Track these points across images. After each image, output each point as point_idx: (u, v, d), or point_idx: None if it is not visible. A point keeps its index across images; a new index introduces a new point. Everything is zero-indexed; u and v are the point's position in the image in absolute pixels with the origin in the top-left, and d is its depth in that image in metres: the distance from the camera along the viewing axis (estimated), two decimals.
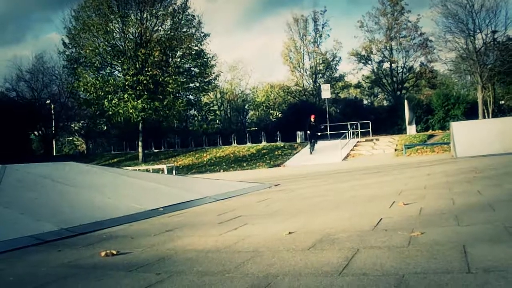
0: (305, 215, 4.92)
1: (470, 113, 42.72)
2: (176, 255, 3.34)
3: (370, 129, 40.72)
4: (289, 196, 7.67)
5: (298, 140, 42.65)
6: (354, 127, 39.51)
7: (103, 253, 3.48)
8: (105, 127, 58.44)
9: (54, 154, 59.31)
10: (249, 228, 4.38)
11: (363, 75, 61.52)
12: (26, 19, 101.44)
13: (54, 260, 3.51)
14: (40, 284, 2.76)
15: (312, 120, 31.41)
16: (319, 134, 33.88)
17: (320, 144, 36.67)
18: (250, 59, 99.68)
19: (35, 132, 58.79)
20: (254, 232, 4.09)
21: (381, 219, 4.08)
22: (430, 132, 40.48)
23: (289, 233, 3.79)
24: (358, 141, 36.03)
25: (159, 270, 2.88)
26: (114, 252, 3.50)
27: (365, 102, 63.93)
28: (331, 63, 61.08)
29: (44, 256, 3.75)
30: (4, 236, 4.35)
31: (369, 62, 59.34)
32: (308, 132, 31.97)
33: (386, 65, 58.53)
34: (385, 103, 62.49)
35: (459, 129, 18.65)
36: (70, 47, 43.90)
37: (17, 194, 6.27)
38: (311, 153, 31.47)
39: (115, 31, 41.86)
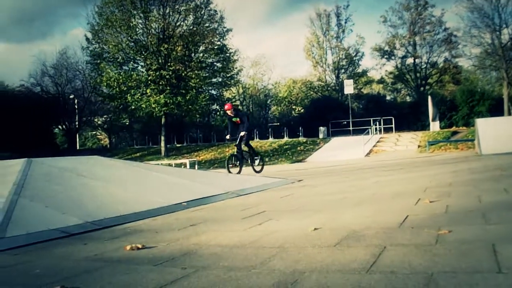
0: (329, 211, 4.89)
1: (495, 109, 42.28)
2: (201, 249, 3.33)
3: (393, 125, 40.46)
4: (312, 192, 7.64)
5: (321, 136, 42.56)
6: (377, 123, 39.28)
7: (128, 247, 3.49)
8: (128, 122, 58.80)
9: (78, 148, 59.83)
10: (274, 224, 4.36)
11: (386, 70, 61.23)
12: (52, 15, 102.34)
13: (80, 253, 3.53)
14: (67, 277, 2.78)
15: (229, 112, 16.04)
16: (243, 135, 15.61)
17: (342, 139, 36.43)
18: (273, 54, 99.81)
19: (59, 126, 59.39)
20: (279, 228, 4.08)
21: (407, 216, 4.04)
22: (454, 128, 40.14)
23: (314, 229, 3.76)
24: (381, 137, 35.84)
25: (185, 264, 2.87)
26: (139, 246, 3.50)
27: (388, 97, 63.61)
28: (354, 58, 60.88)
29: (70, 249, 3.77)
30: (30, 228, 4.39)
31: (392, 57, 59.06)
32: (228, 136, 16.34)
33: (409, 60, 58.24)
34: (408, 99, 62.09)
35: (484, 126, 18.42)
36: (93, 42, 44.29)
37: (42, 188, 6.31)
38: (229, 171, 15.26)
39: (138, 27, 42.12)
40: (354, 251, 2.92)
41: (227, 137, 16.32)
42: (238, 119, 15.93)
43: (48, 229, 4.44)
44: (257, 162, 16.32)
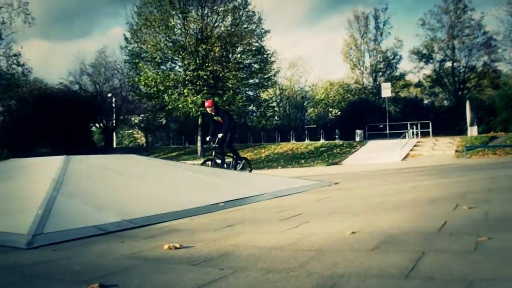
0: (366, 215, 4.84)
1: None
2: (239, 250, 3.32)
3: (430, 129, 40.04)
4: (349, 195, 7.59)
5: (357, 139, 42.34)
6: (414, 127, 38.89)
7: (166, 246, 3.49)
8: (165, 121, 59.32)
9: (114, 146, 60.52)
10: (311, 226, 4.33)
11: (424, 74, 60.62)
12: (92, 14, 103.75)
13: (118, 251, 3.54)
14: (105, 274, 2.79)
15: (209, 110, 14.59)
16: (221, 137, 14.04)
17: (379, 143, 36.13)
18: (310, 56, 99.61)
19: (97, 125, 60.07)
20: (316, 231, 4.05)
21: (445, 222, 3.98)
22: (492, 133, 39.48)
23: (352, 233, 3.72)
24: (418, 141, 35.45)
25: (223, 265, 2.87)
26: (177, 245, 3.50)
27: (425, 101, 62.94)
28: (392, 61, 60.39)
29: (107, 246, 3.79)
30: (68, 225, 4.43)
31: (431, 61, 58.53)
32: (207, 138, 15.04)
33: (447, 64, 57.58)
34: (446, 103, 61.39)
35: None
36: (132, 42, 44.79)
37: (81, 185, 6.38)
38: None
39: (176, 27, 42.42)
40: (392, 256, 2.88)
41: (207, 138, 14.89)
42: (219, 118, 14.28)
43: (86, 226, 4.47)
44: (239, 167, 14.68)
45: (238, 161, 14.83)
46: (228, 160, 14.75)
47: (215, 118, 14.34)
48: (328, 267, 2.69)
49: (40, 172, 7.61)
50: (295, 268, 2.70)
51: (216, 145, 14.18)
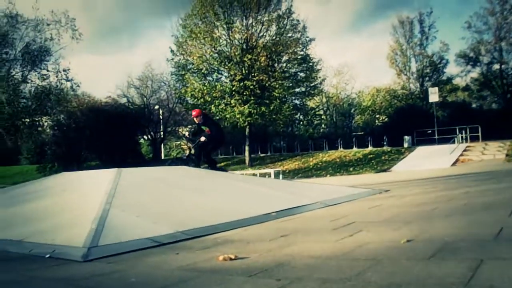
0: (420, 223, 4.75)
1: None
2: (294, 260, 3.28)
3: (480, 134, 39.25)
4: (401, 202, 7.47)
5: (405, 145, 41.81)
6: (463, 131, 38.26)
7: (221, 257, 3.47)
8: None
9: (163, 158, 61.00)
10: (365, 235, 4.27)
11: (471, 77, 59.49)
12: (138, 28, 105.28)
13: (173, 263, 3.54)
14: (162, 286, 2.79)
15: (196, 120, 13.69)
16: (201, 140, 13.18)
17: (427, 149, 35.63)
18: (356, 63, 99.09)
19: (144, 137, 60.73)
20: (371, 239, 3.99)
21: (501, 228, 3.86)
22: None
23: (407, 241, 3.65)
24: (467, 146, 34.77)
25: (279, 276, 2.83)
26: (232, 256, 3.48)
27: (473, 105, 61.86)
28: (438, 65, 59.45)
29: (162, 258, 3.80)
30: (122, 237, 4.46)
31: (478, 64, 57.39)
32: (189, 151, 14.12)
33: (495, 66, 56.36)
34: (494, 106, 60.24)
35: None
36: (177, 54, 45.09)
37: (133, 197, 6.43)
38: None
39: (222, 38, 42.56)
40: (449, 264, 2.81)
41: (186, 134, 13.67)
42: (207, 128, 13.34)
43: (140, 239, 4.50)
44: None
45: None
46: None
47: (202, 127, 13.44)
48: (386, 276, 2.64)
49: (92, 185, 7.71)
50: (352, 278, 2.66)
51: (195, 146, 13.38)
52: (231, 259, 3.44)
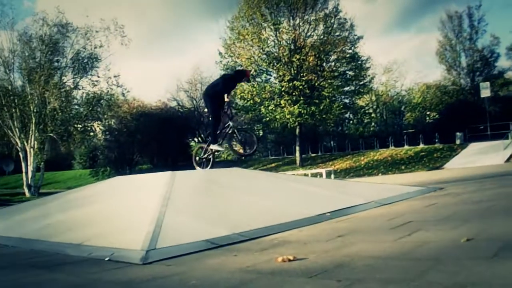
0: (479, 221, 4.66)
1: None
2: (353, 261, 3.25)
3: None
4: (457, 200, 7.35)
5: (457, 141, 41.14)
6: None
7: (279, 259, 3.46)
8: (262, 133, 59.69)
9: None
10: (424, 234, 4.20)
11: None
12: (185, 32, 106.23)
13: (232, 265, 3.55)
14: None
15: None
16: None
17: (480, 145, 35.03)
18: (405, 59, 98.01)
19: (195, 139, 61.24)
20: (430, 239, 3.92)
21: None
22: None
23: (467, 240, 3.58)
24: None
25: (339, 277, 2.81)
26: (291, 257, 3.47)
27: None
28: (489, 59, 58.33)
29: (221, 260, 3.80)
30: (180, 240, 4.49)
31: None
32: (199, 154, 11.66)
33: None
34: None
35: None
36: (226, 56, 45.33)
37: (188, 200, 6.48)
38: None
39: (269, 39, 42.63)
40: None
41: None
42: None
43: (197, 241, 4.52)
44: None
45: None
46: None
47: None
48: (449, 276, 2.59)
49: (147, 189, 7.80)
50: (415, 278, 2.62)
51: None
52: (289, 260, 3.42)
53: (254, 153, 10.60)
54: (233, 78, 11.20)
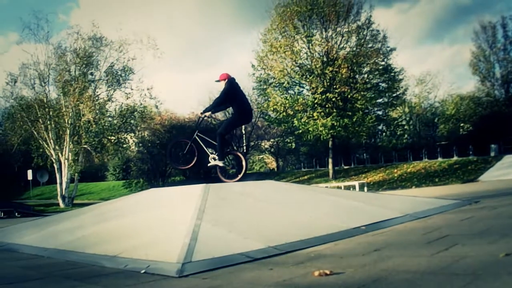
0: None
1: None
2: (391, 276, 3.23)
3: None
4: (494, 213, 7.25)
5: (492, 154, 40.64)
6: None
7: (316, 273, 3.45)
8: (294, 145, 59.72)
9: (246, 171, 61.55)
10: (460, 249, 4.15)
11: None
12: (217, 44, 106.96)
13: (268, 279, 3.54)
14: None
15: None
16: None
17: None
18: (438, 70, 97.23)
19: None
20: (467, 253, 3.87)
21: None
22: None
23: (506, 255, 3.53)
24: None
25: None
26: (327, 272, 3.45)
27: None
28: None
29: (257, 274, 3.80)
30: (216, 253, 4.50)
31: None
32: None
33: None
34: None
35: None
36: (258, 69, 45.36)
37: (222, 212, 6.48)
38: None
39: (302, 51, 42.60)
40: None
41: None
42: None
43: (233, 254, 4.52)
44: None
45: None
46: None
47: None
48: None
49: (181, 201, 7.83)
50: None
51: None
52: (326, 274, 3.41)
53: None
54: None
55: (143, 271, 4.19)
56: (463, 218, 6.73)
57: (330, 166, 43.79)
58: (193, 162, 11.32)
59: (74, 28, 42.78)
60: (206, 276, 3.85)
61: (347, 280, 3.23)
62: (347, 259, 4.13)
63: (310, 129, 40.75)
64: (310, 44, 42.03)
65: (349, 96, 41.07)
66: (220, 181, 10.47)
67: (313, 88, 41.88)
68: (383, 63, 43.56)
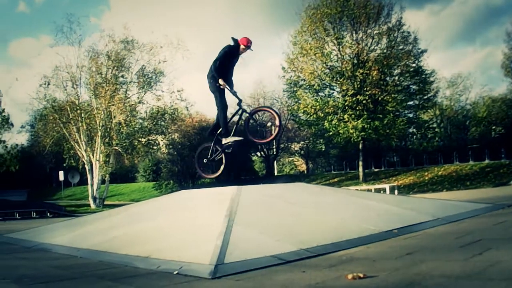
0: None
1: None
2: (425, 280, 3.22)
3: None
4: None
5: None
6: None
7: (349, 276, 3.45)
8: (324, 147, 59.52)
9: (275, 174, 61.48)
10: (495, 253, 4.12)
11: None
12: (251, 45, 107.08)
13: (301, 281, 3.55)
14: None
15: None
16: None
17: None
18: (469, 72, 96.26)
19: (258, 153, 61.42)
20: (502, 258, 3.84)
21: None
22: None
23: None
24: None
25: None
26: (361, 275, 3.45)
27: None
28: None
29: (289, 276, 3.81)
30: (248, 255, 4.52)
31: None
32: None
33: None
34: None
35: None
36: (289, 71, 45.32)
37: (254, 215, 6.50)
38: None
39: (332, 53, 42.40)
40: None
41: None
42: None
43: (265, 256, 4.54)
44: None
45: None
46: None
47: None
48: None
49: (213, 203, 7.86)
50: None
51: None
52: (360, 277, 3.41)
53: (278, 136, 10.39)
54: (226, 54, 10.39)
55: (176, 272, 4.22)
56: (496, 222, 6.67)
57: (361, 168, 43.55)
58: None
59: (106, 31, 43.22)
60: (239, 278, 3.87)
61: (380, 283, 3.23)
62: (380, 262, 4.13)
63: (341, 131, 40.56)
64: (340, 46, 41.84)
65: (379, 99, 40.83)
66: (251, 182, 10.41)
67: (343, 90, 41.67)
68: (414, 65, 43.17)
